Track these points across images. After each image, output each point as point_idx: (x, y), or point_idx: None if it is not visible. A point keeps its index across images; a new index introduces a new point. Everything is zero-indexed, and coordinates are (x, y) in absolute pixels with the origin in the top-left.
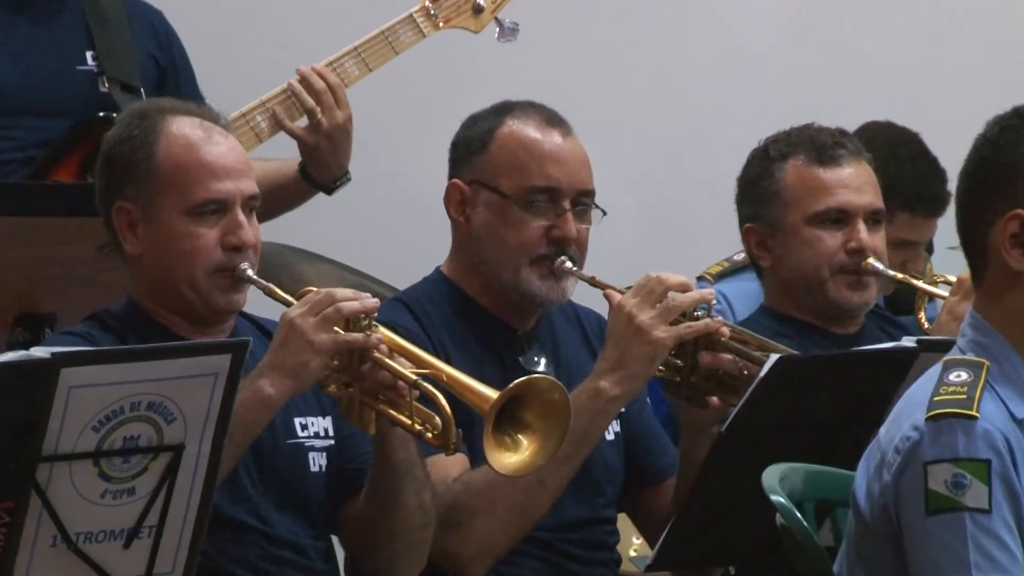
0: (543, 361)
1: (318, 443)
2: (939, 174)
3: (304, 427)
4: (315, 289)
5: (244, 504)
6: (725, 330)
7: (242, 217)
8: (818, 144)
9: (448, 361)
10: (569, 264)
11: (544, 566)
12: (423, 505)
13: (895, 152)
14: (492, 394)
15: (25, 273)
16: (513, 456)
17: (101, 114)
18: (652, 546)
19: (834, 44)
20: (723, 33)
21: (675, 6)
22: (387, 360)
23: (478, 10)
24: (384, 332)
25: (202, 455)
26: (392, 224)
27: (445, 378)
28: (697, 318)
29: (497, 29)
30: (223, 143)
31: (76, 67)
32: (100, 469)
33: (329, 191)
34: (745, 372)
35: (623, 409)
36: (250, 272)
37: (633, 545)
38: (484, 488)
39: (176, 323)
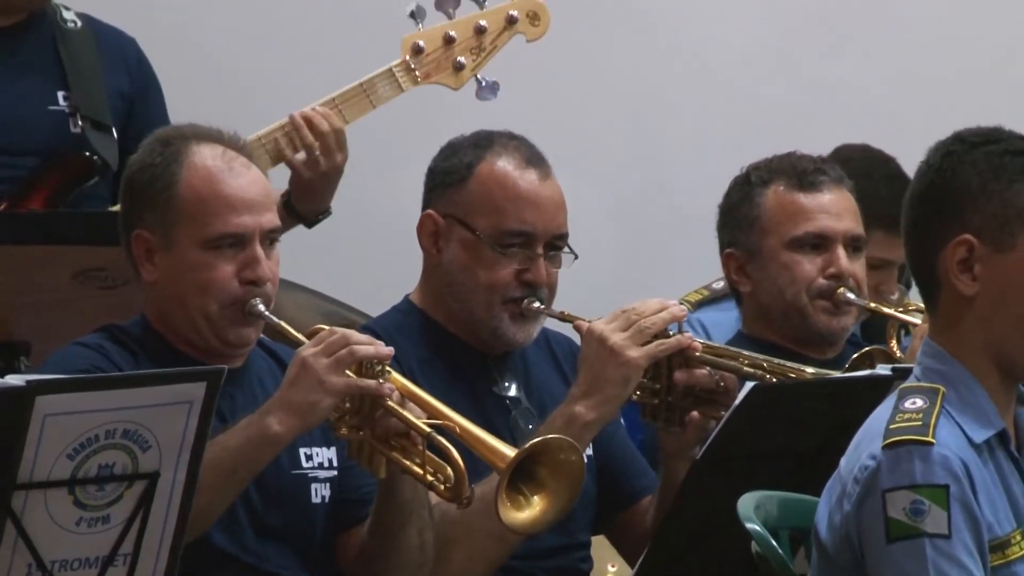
0: (514, 386)
1: (322, 474)
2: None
3: (309, 457)
4: (328, 328)
5: (236, 536)
6: (697, 344)
7: (260, 251)
8: (799, 170)
9: (420, 385)
10: (537, 304)
11: None
12: (424, 545)
13: (869, 172)
14: (508, 452)
15: None
16: (522, 513)
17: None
18: (631, 567)
19: (809, 75)
20: (698, 66)
21: (651, 39)
22: (399, 409)
23: (458, 67)
24: (397, 378)
25: (177, 483)
26: (365, 253)
27: (458, 430)
28: (669, 336)
29: (477, 87)
30: (245, 175)
31: (48, 107)
32: (75, 497)
33: (310, 224)
34: (722, 384)
35: (598, 433)
36: (261, 307)
37: (608, 573)
38: (461, 517)
39: (186, 348)
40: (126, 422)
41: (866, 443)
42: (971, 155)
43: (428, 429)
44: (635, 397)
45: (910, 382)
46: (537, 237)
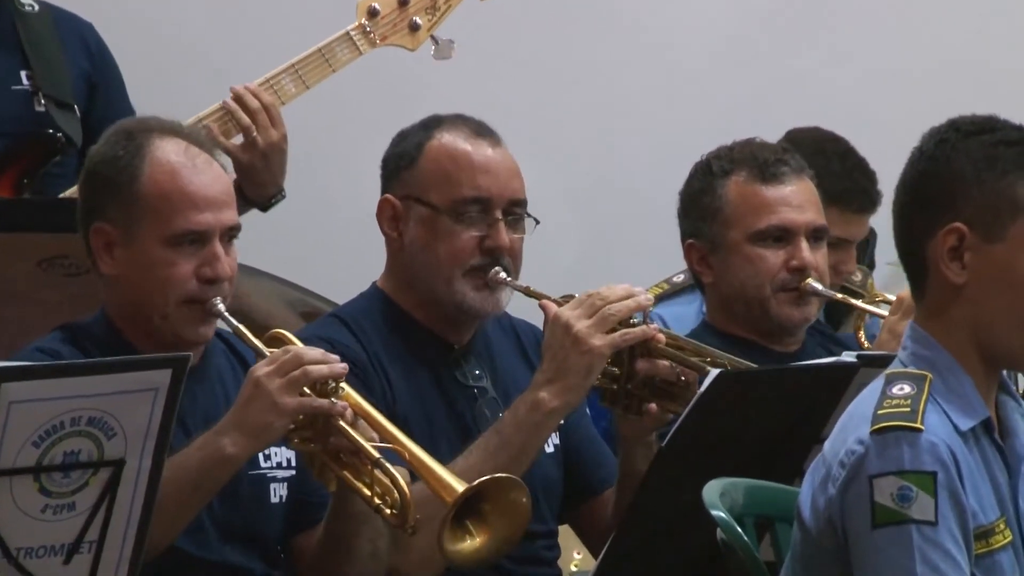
0: (480, 375)
1: (280, 473)
2: (867, 171)
3: (267, 457)
4: (287, 335)
5: (198, 537)
6: (661, 336)
7: (219, 249)
8: (760, 161)
9: (386, 377)
10: (503, 275)
11: None
12: (376, 553)
13: (822, 150)
14: (457, 486)
15: None
16: (463, 545)
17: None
18: (596, 556)
19: (772, 67)
20: (662, 56)
21: (616, 30)
22: (349, 430)
23: (414, 28)
24: (351, 395)
25: (143, 470)
26: (330, 239)
27: (407, 456)
28: (633, 326)
29: (433, 47)
30: (208, 172)
31: (11, 87)
32: (40, 484)
33: (264, 208)
34: (682, 378)
35: (562, 421)
36: (221, 307)
37: (574, 560)
38: (420, 504)
39: (144, 344)
40: (91, 409)
41: (852, 428)
42: (965, 144)
43: (377, 455)
44: (597, 382)
45: (896, 367)
46: (493, 202)
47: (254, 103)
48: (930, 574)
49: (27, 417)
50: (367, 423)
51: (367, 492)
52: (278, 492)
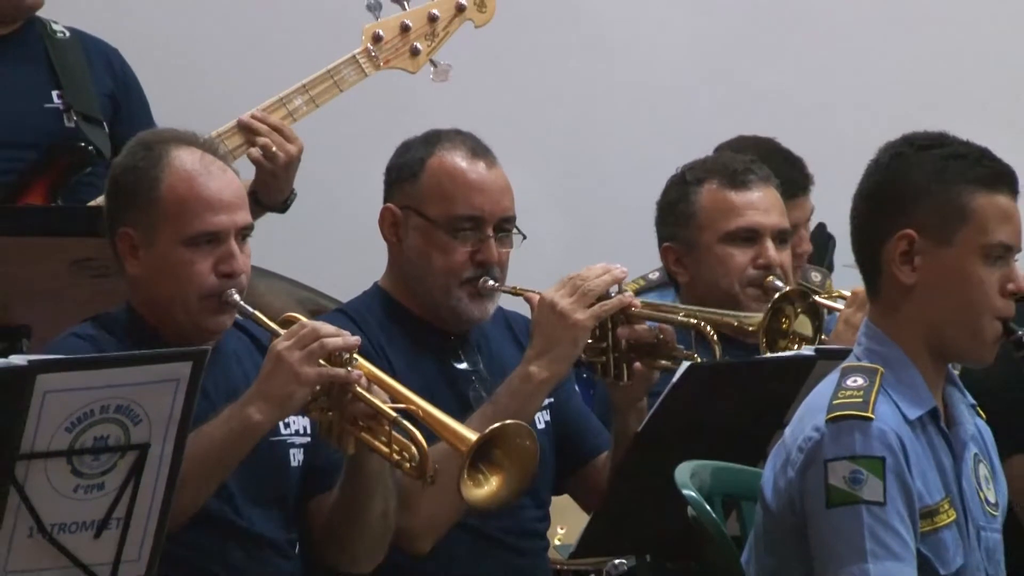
0: (475, 361)
1: (298, 440)
2: (794, 163)
3: (287, 425)
4: (299, 318)
5: (225, 500)
6: (636, 302)
7: (235, 247)
8: (731, 170)
9: (389, 364)
10: (492, 282)
11: (473, 551)
12: (387, 512)
13: (758, 148)
14: (470, 436)
15: (0, 289)
16: (481, 490)
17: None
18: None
19: (740, 80)
20: (639, 71)
21: (597, 47)
22: (366, 394)
23: (415, 52)
24: (364, 365)
25: (165, 454)
26: (336, 243)
27: (422, 413)
28: (611, 298)
29: (432, 69)
30: (221, 178)
31: (44, 105)
32: (73, 466)
33: (282, 211)
34: (660, 336)
35: (551, 399)
36: (237, 298)
37: (558, 534)
38: (436, 458)
39: (167, 332)
40: (119, 398)
41: (810, 416)
42: (918, 157)
43: (394, 414)
44: (584, 357)
45: (851, 361)
46: (486, 220)
47: (263, 127)
48: (878, 550)
49: (60, 405)
50: (381, 388)
51: (386, 450)
52: (296, 457)
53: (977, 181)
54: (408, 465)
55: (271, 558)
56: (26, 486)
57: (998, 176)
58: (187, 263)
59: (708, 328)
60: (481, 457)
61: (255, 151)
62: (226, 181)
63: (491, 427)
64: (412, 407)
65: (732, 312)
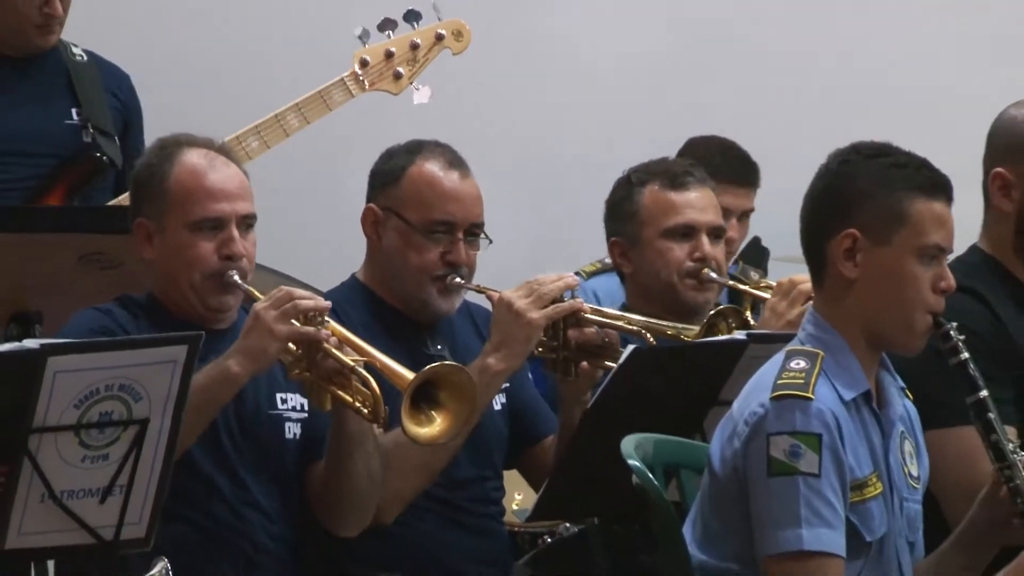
0: (442, 348)
1: (294, 415)
2: (741, 156)
3: (284, 401)
4: (282, 287)
5: (225, 469)
6: (586, 307)
7: (235, 232)
8: (671, 173)
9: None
10: (459, 280)
11: (438, 517)
12: (371, 473)
13: (708, 145)
14: (409, 375)
15: (17, 280)
16: (426, 428)
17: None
18: (537, 492)
19: (682, 94)
20: (595, 86)
21: (558, 66)
22: (334, 350)
23: (398, 76)
24: (334, 326)
25: (164, 428)
26: (318, 238)
27: (378, 364)
28: (563, 301)
29: (414, 92)
30: (224, 171)
31: (64, 121)
32: (80, 439)
33: None
34: (606, 340)
35: (508, 384)
36: (236, 278)
37: (515, 500)
38: (393, 448)
39: (178, 312)
40: (122, 378)
41: (756, 393)
42: (864, 164)
43: (352, 364)
44: (537, 352)
45: (795, 345)
46: (458, 225)
47: None
48: (812, 517)
49: (69, 384)
50: (350, 347)
51: (350, 400)
52: (292, 430)
53: (917, 188)
54: (366, 411)
55: (261, 522)
56: (38, 457)
57: (936, 185)
58: (192, 246)
59: (648, 335)
60: (426, 398)
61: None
62: (229, 174)
63: (426, 368)
64: (370, 359)
65: (671, 323)
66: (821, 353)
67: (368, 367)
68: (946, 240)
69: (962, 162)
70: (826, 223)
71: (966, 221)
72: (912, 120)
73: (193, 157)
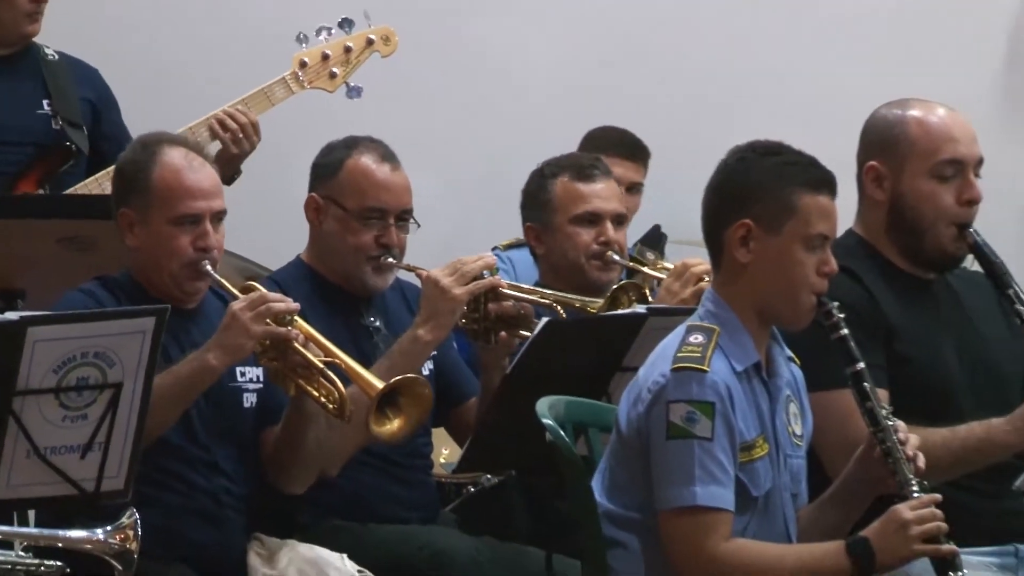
0: (377, 320)
1: (251, 386)
2: (631, 137)
3: (242, 374)
4: (256, 286)
5: (190, 434)
6: (504, 283)
7: (209, 227)
8: (579, 166)
9: (308, 323)
10: (391, 260)
11: (375, 471)
12: (320, 443)
13: (603, 132)
14: (378, 384)
15: (2, 261)
16: (386, 427)
17: (57, 144)
18: (461, 448)
19: (591, 88)
20: (514, 81)
21: (481, 63)
22: (302, 349)
23: (333, 76)
24: (302, 326)
25: (136, 391)
26: (267, 224)
27: (343, 366)
28: (483, 278)
29: (347, 89)
30: (201, 171)
31: (36, 111)
32: (60, 401)
33: (228, 183)
34: (522, 311)
35: (435, 352)
36: (209, 268)
37: (442, 454)
38: (353, 400)
39: (155, 292)
40: (97, 346)
41: (659, 363)
42: (759, 161)
43: (322, 366)
44: (461, 324)
45: (695, 320)
46: (389, 212)
47: (242, 119)
48: (704, 476)
49: (48, 352)
50: (315, 345)
51: (316, 394)
52: (249, 400)
53: (805, 184)
54: (332, 407)
55: (222, 482)
56: (22, 417)
57: (822, 181)
58: (172, 238)
59: (558, 307)
60: (388, 402)
61: (223, 135)
62: (205, 174)
63: (395, 379)
64: (337, 360)
65: (578, 297)
66: (717, 329)
67: (333, 367)
68: (830, 230)
69: (840, 156)
70: (723, 213)
71: (842, 208)
72: (795, 118)
73: (174, 157)
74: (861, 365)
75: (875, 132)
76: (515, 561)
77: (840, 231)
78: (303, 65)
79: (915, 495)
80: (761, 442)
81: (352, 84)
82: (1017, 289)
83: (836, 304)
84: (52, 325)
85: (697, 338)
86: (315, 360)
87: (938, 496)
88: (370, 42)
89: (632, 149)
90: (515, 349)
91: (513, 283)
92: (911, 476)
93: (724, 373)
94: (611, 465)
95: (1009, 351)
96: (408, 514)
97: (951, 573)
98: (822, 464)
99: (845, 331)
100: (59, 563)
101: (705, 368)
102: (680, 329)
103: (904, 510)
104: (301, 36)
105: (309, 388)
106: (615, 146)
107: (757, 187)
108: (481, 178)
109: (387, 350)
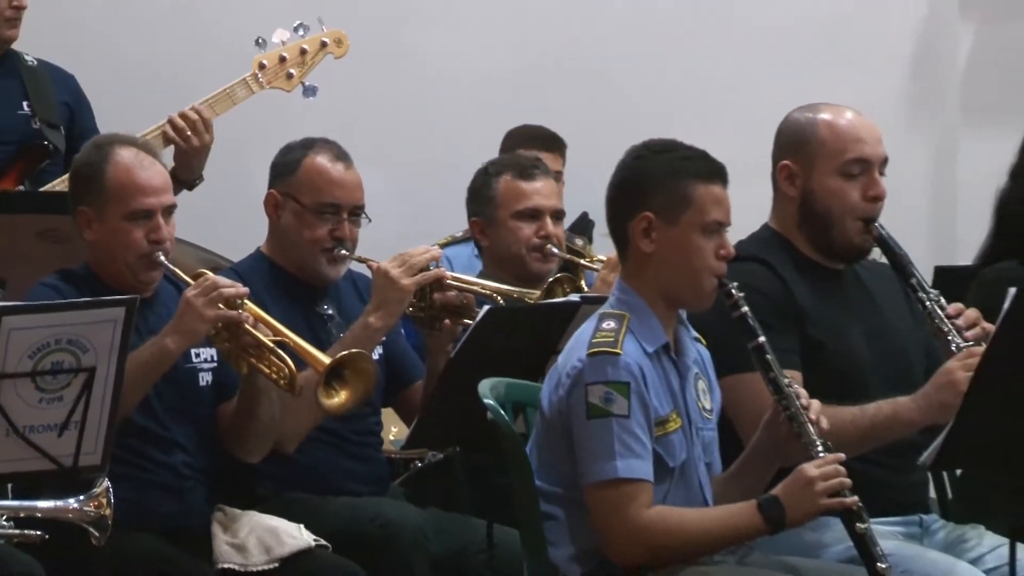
0: (331, 308)
1: (205, 366)
2: (548, 132)
3: (197, 355)
4: (207, 273)
5: (150, 413)
6: (448, 275)
7: (161, 221)
8: (521, 166)
9: (266, 310)
10: (344, 252)
11: (329, 447)
12: (272, 416)
13: (522, 129)
14: (325, 360)
15: None
16: (334, 400)
17: (35, 143)
18: (409, 426)
19: (528, 97)
20: (454, 86)
21: (423, 75)
22: (252, 330)
23: (290, 76)
24: (252, 308)
25: (109, 374)
26: (229, 218)
27: (292, 344)
28: (429, 270)
29: (303, 89)
30: (151, 169)
31: (16, 112)
32: (36, 384)
33: (191, 188)
34: (464, 301)
35: (385, 338)
36: (163, 258)
37: (391, 432)
38: (302, 378)
39: (113, 283)
40: (70, 334)
41: (576, 350)
42: (656, 158)
43: (272, 345)
44: (409, 312)
45: (606, 309)
46: (343, 207)
47: (194, 116)
48: (623, 450)
49: (22, 339)
50: (264, 326)
51: (267, 371)
52: (205, 378)
53: (698, 176)
54: (282, 382)
55: (182, 456)
56: (1, 399)
57: (713, 172)
58: (126, 232)
59: (498, 298)
60: (335, 376)
61: (175, 135)
62: (156, 171)
63: (340, 354)
64: (286, 339)
65: (516, 288)
66: (627, 315)
67: (283, 345)
68: (724, 216)
69: (756, 155)
70: (625, 208)
71: (758, 204)
72: (713, 119)
73: (125, 156)
74: (762, 339)
75: (788, 134)
76: (459, 530)
77: (756, 226)
78: (262, 67)
79: (819, 455)
80: (674, 416)
81: (308, 84)
82: (919, 278)
83: (736, 284)
84: (28, 315)
85: (609, 324)
86: (265, 340)
87: (841, 455)
88: (324, 45)
89: (549, 141)
90: (458, 335)
91: (456, 275)
92: (815, 438)
93: (636, 355)
94: (537, 446)
95: (912, 336)
96: (360, 487)
97: (857, 523)
98: (738, 439)
99: (745, 309)
100: (38, 532)
101: (618, 351)
102: (593, 317)
103: (810, 468)
104: (260, 40)
105: (260, 366)
106: (533, 140)
107: (654, 182)
108: (425, 176)
109: (340, 336)
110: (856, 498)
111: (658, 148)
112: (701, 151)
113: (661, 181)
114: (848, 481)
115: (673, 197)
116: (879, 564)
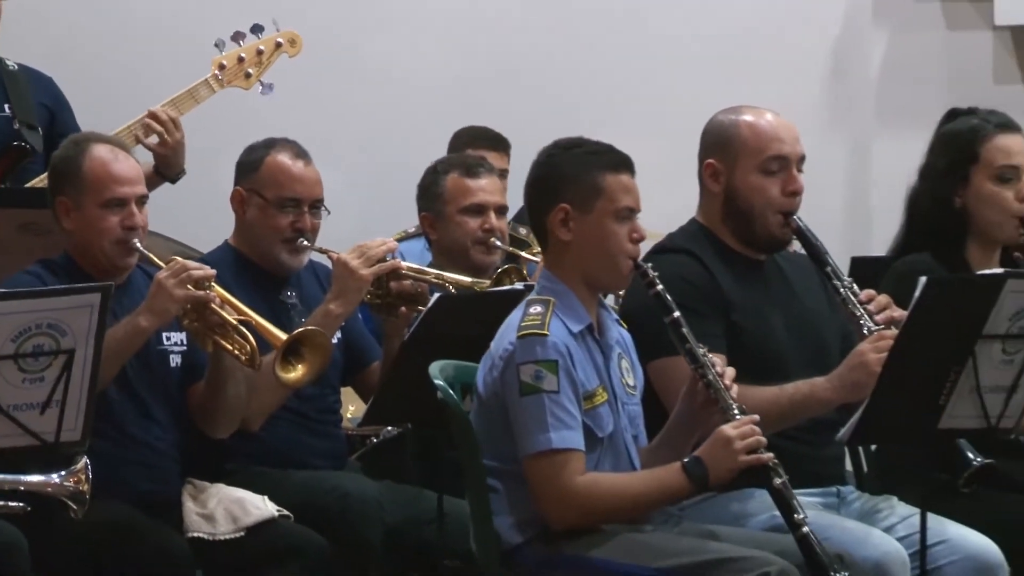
0: (294, 296)
1: (176, 349)
2: (492, 132)
3: (168, 339)
4: (176, 258)
5: (127, 392)
6: (403, 265)
7: (135, 209)
8: (468, 164)
9: (234, 296)
10: (305, 243)
11: (292, 425)
12: (238, 394)
13: (468, 129)
14: (282, 336)
15: None
16: (292, 374)
17: (14, 143)
18: (367, 404)
19: (479, 99)
20: (407, 95)
21: (377, 75)
22: (218, 310)
23: (248, 76)
24: (219, 290)
25: (88, 356)
26: (199, 212)
27: (254, 323)
28: (386, 261)
29: (260, 87)
30: (125, 162)
31: None
32: (19, 365)
33: (173, 181)
34: (419, 290)
35: (344, 324)
36: (138, 244)
37: (350, 410)
38: (254, 378)
39: (91, 270)
40: (50, 318)
41: (507, 334)
42: (566, 154)
43: (235, 322)
44: (367, 299)
45: (533, 295)
46: (303, 201)
47: (164, 116)
48: (556, 423)
49: (5, 324)
50: (229, 307)
51: (230, 348)
52: (175, 360)
53: (606, 167)
54: (244, 358)
55: (155, 430)
56: None
57: (620, 162)
58: (102, 219)
59: (450, 286)
60: (293, 353)
61: (152, 139)
62: (129, 165)
63: (296, 331)
64: (249, 319)
65: (467, 278)
66: (552, 300)
67: (246, 324)
68: (634, 203)
69: (683, 154)
70: (543, 202)
71: (686, 200)
72: (644, 120)
73: (101, 151)
74: (677, 314)
75: (712, 134)
76: (411, 502)
77: (684, 220)
78: (221, 67)
79: (736, 417)
80: (601, 391)
81: (265, 82)
82: (834, 267)
83: (650, 264)
84: (10, 301)
85: (536, 309)
86: (229, 318)
87: (756, 416)
88: (278, 45)
89: (494, 141)
90: (412, 321)
91: (411, 265)
92: (731, 402)
93: (562, 335)
94: (478, 425)
95: (829, 321)
96: (320, 462)
97: (775, 478)
98: (664, 416)
99: (660, 287)
100: (21, 503)
101: (546, 332)
102: (522, 304)
103: (728, 429)
104: (218, 42)
105: (225, 343)
106: (480, 140)
107: (567, 176)
108: (379, 172)
109: (303, 322)
110: (772, 455)
111: (567, 145)
112: (608, 145)
113: (573, 174)
114: (764, 439)
115: (585, 188)
116: (796, 515)
